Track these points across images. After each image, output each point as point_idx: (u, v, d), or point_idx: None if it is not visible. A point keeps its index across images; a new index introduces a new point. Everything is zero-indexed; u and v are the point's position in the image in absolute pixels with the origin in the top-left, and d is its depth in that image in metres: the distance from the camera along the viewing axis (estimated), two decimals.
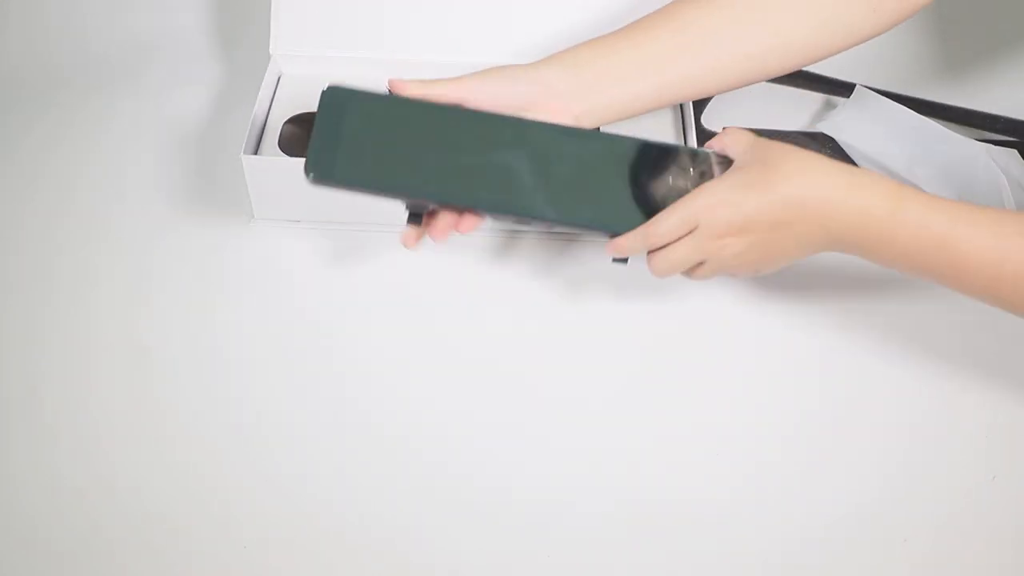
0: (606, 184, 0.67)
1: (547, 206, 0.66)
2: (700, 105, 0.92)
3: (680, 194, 0.65)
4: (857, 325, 0.79)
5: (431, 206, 0.67)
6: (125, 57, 1.01)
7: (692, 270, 0.67)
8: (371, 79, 0.90)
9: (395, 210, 0.74)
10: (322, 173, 0.64)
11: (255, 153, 0.82)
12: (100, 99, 0.97)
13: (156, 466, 0.70)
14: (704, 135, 0.90)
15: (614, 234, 0.66)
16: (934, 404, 0.75)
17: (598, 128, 0.74)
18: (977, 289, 0.64)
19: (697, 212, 0.64)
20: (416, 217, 0.68)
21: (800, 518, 0.68)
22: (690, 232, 0.65)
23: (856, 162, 0.90)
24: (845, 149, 0.91)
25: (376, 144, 0.65)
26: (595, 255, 0.83)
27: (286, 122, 0.76)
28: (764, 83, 0.95)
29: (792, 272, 0.83)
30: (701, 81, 0.74)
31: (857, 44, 0.75)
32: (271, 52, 0.89)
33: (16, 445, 0.71)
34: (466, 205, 0.66)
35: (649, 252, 0.67)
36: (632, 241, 0.66)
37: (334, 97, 0.65)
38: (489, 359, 0.77)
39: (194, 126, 0.94)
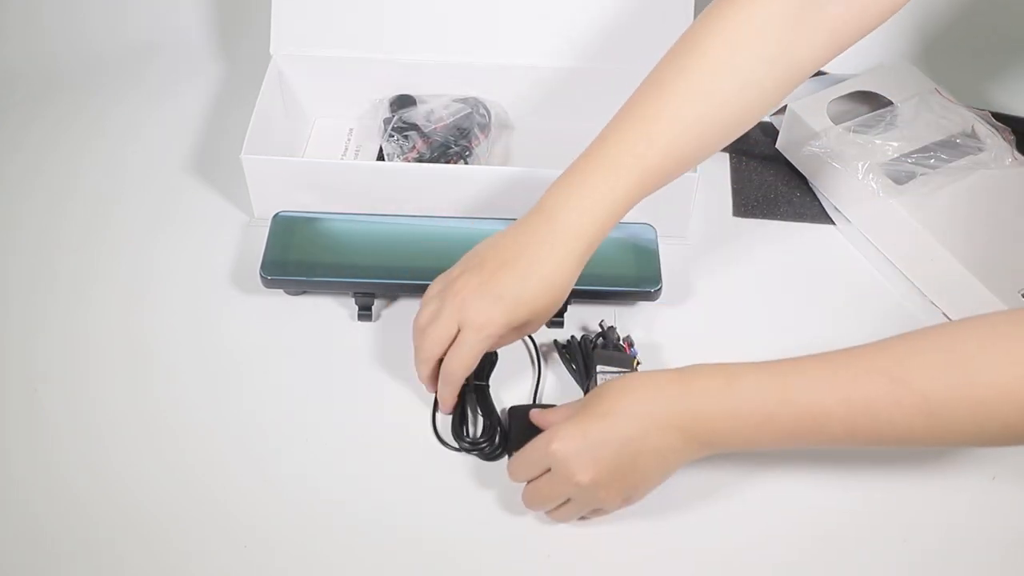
0: None
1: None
2: None
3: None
4: (856, 325, 0.79)
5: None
6: (125, 57, 1.01)
7: (557, 509, 0.65)
8: (371, 79, 0.91)
9: (382, 204, 0.80)
10: (275, 274, 0.78)
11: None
12: (100, 99, 0.98)
13: (156, 465, 0.70)
14: None
15: None
16: None
17: None
18: (838, 440, 0.59)
19: (546, 455, 0.62)
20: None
21: (800, 518, 0.68)
22: (548, 471, 0.63)
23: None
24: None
25: (315, 250, 0.80)
26: None
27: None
28: None
29: (792, 280, 0.83)
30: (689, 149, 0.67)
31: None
32: (271, 52, 0.89)
33: (16, 445, 0.71)
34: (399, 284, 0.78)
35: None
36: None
37: (281, 220, 0.81)
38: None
39: (194, 126, 0.95)
